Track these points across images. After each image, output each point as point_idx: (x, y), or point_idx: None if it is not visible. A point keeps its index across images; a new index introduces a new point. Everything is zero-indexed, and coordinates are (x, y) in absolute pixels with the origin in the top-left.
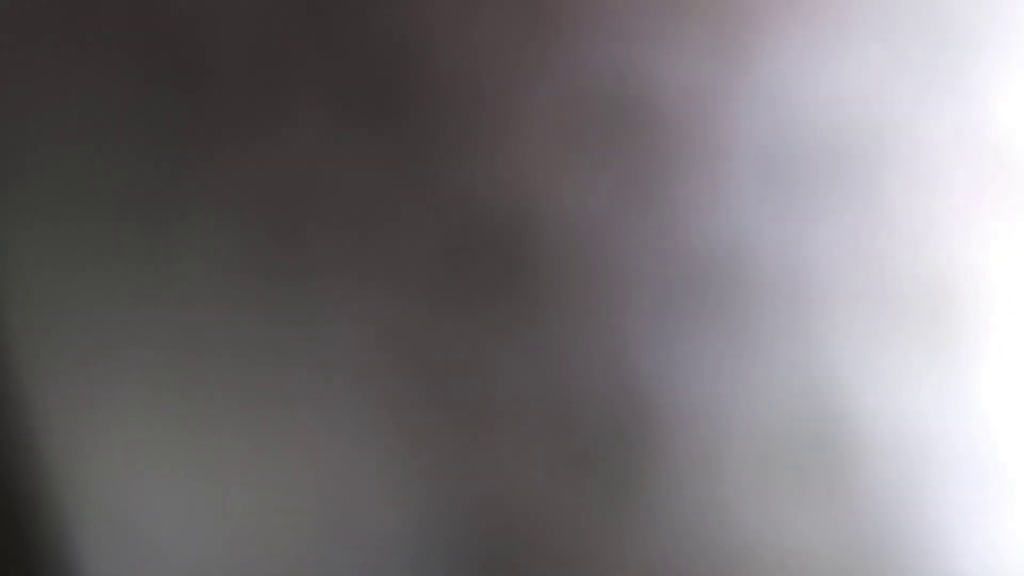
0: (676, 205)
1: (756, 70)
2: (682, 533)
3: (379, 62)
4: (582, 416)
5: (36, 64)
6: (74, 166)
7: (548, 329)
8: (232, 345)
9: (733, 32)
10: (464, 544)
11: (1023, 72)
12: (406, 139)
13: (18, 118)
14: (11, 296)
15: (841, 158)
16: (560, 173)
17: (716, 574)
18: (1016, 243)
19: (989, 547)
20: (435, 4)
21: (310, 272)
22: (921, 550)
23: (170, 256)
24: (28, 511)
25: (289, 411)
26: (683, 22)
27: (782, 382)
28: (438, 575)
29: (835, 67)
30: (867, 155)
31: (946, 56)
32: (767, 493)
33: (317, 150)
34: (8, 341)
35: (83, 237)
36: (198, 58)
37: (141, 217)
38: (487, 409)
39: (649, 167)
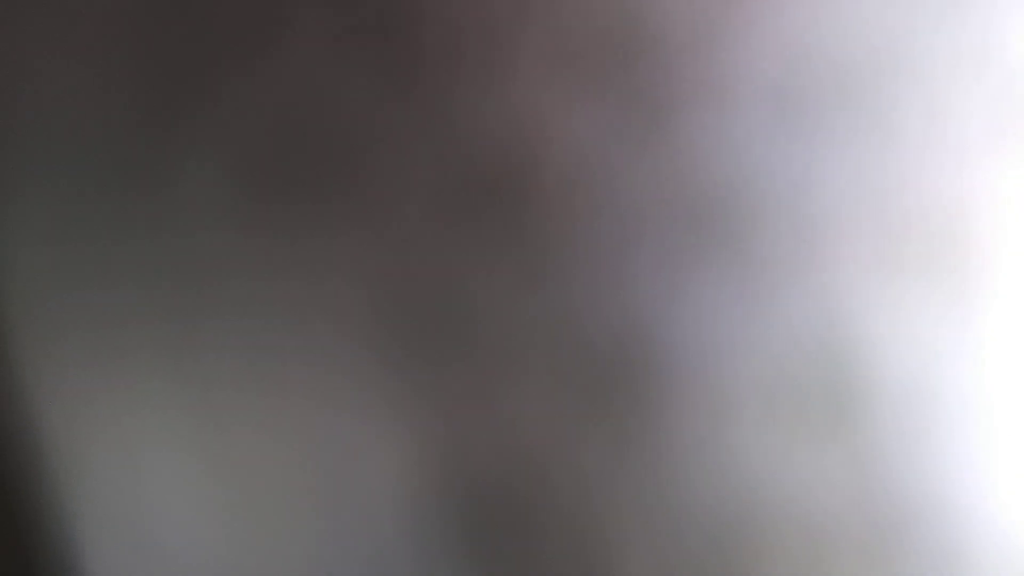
0: (682, 140)
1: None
2: (689, 477)
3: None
4: (587, 359)
5: (26, 13)
6: (68, 131)
7: (551, 271)
8: (236, 322)
9: None
10: (468, 495)
11: None
12: (404, 80)
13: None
14: (6, 274)
15: (850, 89)
16: (563, 109)
17: (723, 517)
18: None
19: (998, 488)
20: None
21: (310, 224)
22: (928, 489)
23: (167, 222)
24: (29, 508)
25: (286, 365)
26: None
27: (790, 320)
28: (442, 528)
29: None
30: (876, 86)
31: None
32: (774, 434)
33: (314, 91)
34: (4, 329)
35: (78, 208)
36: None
37: (137, 180)
38: (489, 355)
39: (654, 102)
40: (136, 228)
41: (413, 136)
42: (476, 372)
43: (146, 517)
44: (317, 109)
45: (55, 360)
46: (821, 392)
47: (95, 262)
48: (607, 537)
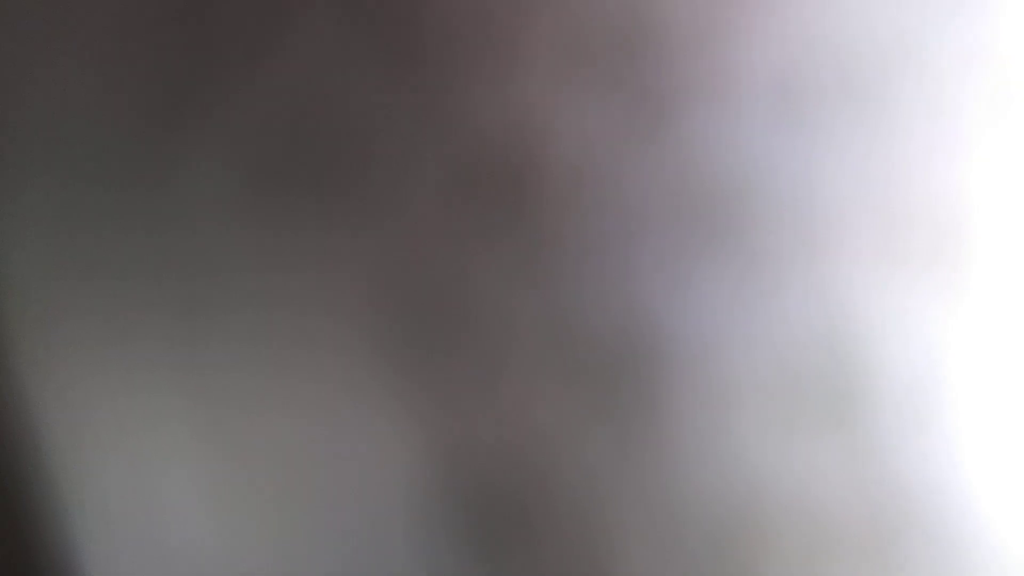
0: (686, 134)
1: None
2: (691, 470)
3: None
4: (590, 352)
5: (36, 10)
6: (74, 126)
7: (554, 265)
8: (240, 315)
9: None
10: (472, 487)
11: None
12: (409, 74)
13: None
14: (9, 268)
15: (852, 86)
16: (567, 102)
17: (724, 508)
18: None
19: (996, 481)
20: None
21: (314, 218)
22: (927, 482)
23: (172, 217)
24: (29, 508)
25: (290, 359)
26: None
27: (792, 313)
28: (446, 522)
29: None
30: (878, 81)
31: None
32: (774, 426)
33: (318, 86)
34: (5, 324)
35: (83, 203)
36: None
37: (142, 175)
38: (493, 349)
39: (659, 96)
40: (141, 223)
41: (419, 130)
42: (479, 365)
43: (147, 516)
44: (321, 104)
45: (55, 358)
46: (821, 385)
47: (100, 256)
48: (610, 528)
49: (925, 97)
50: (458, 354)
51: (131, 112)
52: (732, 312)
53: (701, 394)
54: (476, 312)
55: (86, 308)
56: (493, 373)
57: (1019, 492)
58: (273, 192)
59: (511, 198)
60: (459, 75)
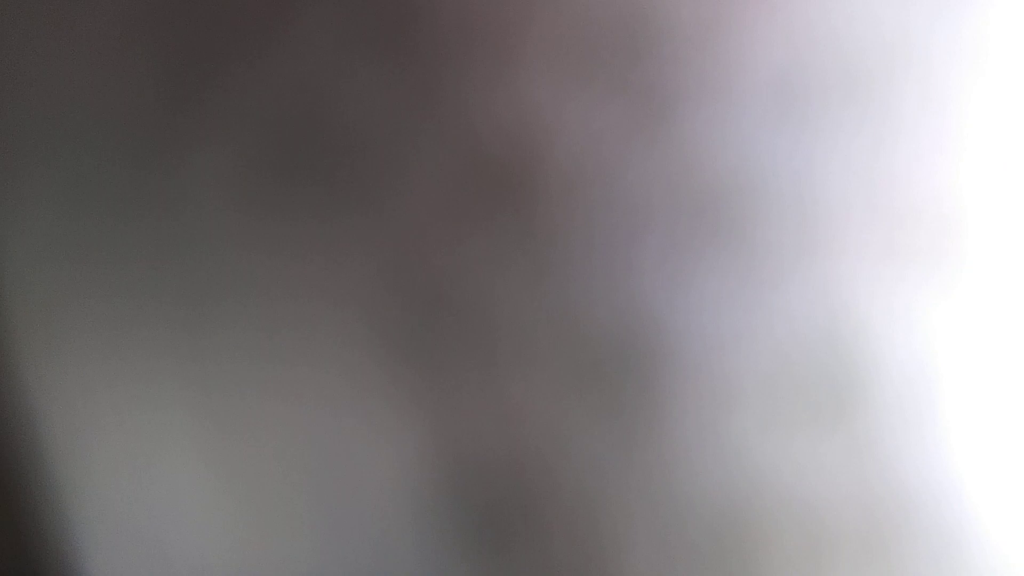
0: (689, 131)
1: None
2: (693, 465)
3: None
4: (592, 348)
5: None
6: (79, 114)
7: (558, 261)
8: (243, 306)
9: None
10: (475, 485)
11: None
12: (414, 70)
13: (16, 53)
14: (10, 254)
15: (854, 83)
16: (572, 101)
17: (726, 504)
18: None
19: (995, 476)
20: None
21: (318, 210)
22: (927, 477)
23: (176, 206)
24: (30, 508)
25: (292, 356)
26: None
27: (794, 310)
28: (450, 519)
29: None
30: (878, 80)
31: None
32: (776, 421)
33: (324, 79)
34: (6, 312)
35: (86, 191)
36: None
37: (147, 165)
38: (496, 345)
39: (662, 94)
40: (145, 211)
41: (423, 126)
42: (483, 362)
43: (147, 515)
44: (326, 97)
45: (56, 346)
46: (823, 381)
47: (103, 244)
48: (612, 523)
49: (927, 96)
50: (461, 352)
51: (134, 101)
52: (734, 309)
53: (703, 390)
54: (479, 309)
55: (89, 296)
56: (497, 367)
57: (1017, 488)
58: (277, 181)
59: (515, 194)
60: (464, 74)
